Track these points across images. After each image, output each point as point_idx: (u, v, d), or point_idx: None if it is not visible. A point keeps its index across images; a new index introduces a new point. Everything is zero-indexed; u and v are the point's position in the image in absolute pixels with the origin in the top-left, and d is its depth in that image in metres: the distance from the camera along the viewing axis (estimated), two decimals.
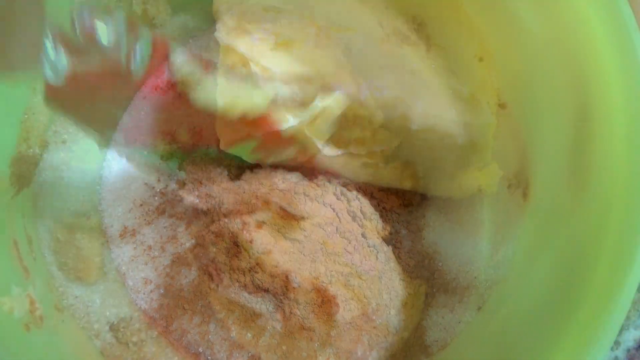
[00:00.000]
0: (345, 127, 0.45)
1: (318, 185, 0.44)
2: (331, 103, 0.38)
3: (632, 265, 0.30)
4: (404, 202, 0.50)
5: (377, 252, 0.43)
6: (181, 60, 0.31)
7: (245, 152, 0.41)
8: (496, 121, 0.44)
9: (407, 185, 0.48)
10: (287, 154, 0.42)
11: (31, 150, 0.44)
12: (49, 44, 0.27)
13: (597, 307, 0.30)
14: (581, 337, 0.30)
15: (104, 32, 0.28)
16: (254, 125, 0.36)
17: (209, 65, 0.33)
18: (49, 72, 0.28)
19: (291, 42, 0.42)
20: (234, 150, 0.41)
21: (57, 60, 0.28)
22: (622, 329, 0.53)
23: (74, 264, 0.45)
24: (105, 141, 0.41)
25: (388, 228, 0.46)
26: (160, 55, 0.30)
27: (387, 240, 0.47)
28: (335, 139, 0.47)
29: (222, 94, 0.35)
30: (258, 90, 0.35)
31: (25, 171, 0.44)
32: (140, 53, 0.29)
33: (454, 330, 0.46)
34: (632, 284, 0.30)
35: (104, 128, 0.37)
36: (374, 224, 0.45)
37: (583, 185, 0.34)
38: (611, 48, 0.33)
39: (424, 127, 0.50)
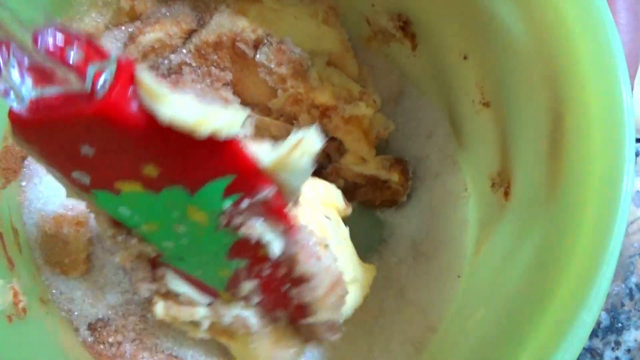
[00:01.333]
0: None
1: None
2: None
3: (604, 261, 0.30)
4: (390, 201, 0.50)
5: (333, 227, 0.43)
6: (147, 78, 0.28)
7: (216, 195, 0.33)
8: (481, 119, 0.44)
9: (394, 178, 0.48)
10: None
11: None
12: (12, 68, 0.26)
13: (570, 302, 0.30)
14: (551, 335, 0.30)
15: (70, 55, 0.27)
16: (225, 154, 0.31)
17: (175, 84, 0.31)
18: (11, 98, 0.27)
19: None
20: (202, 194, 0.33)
21: (21, 84, 0.27)
22: (623, 329, 0.53)
23: (59, 258, 0.46)
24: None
25: (349, 209, 0.46)
26: (125, 76, 0.28)
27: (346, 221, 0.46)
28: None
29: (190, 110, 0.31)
30: (231, 108, 0.30)
31: (12, 165, 0.44)
32: (105, 74, 0.27)
33: (438, 327, 0.46)
34: (604, 280, 0.30)
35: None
36: (334, 199, 0.45)
37: (558, 183, 0.34)
38: (588, 49, 0.33)
39: (410, 124, 0.50)
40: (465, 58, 0.43)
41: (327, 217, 0.43)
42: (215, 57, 0.45)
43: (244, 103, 0.47)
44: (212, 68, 0.45)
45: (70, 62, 0.27)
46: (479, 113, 0.44)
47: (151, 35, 0.45)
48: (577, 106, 0.33)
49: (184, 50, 0.46)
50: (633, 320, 0.54)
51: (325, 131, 0.47)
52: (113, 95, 0.27)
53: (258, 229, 0.34)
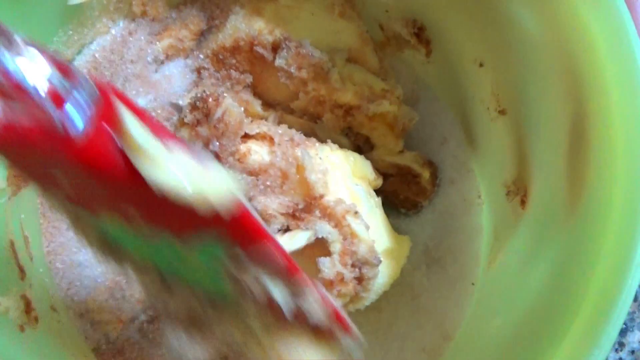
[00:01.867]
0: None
1: None
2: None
3: (628, 275, 0.30)
4: (412, 203, 0.50)
5: (363, 195, 0.43)
6: (134, 128, 0.23)
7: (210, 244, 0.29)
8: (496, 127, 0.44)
9: (425, 174, 0.48)
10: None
11: None
12: None
13: (593, 315, 0.30)
14: (576, 346, 0.30)
15: (29, 74, 0.21)
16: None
17: (162, 135, 0.24)
18: None
19: None
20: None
21: None
22: (627, 331, 0.52)
23: None
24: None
25: (380, 180, 0.46)
26: (107, 114, 0.22)
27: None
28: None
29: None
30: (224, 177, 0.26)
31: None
32: (78, 107, 0.22)
33: (453, 335, 0.46)
34: (628, 293, 0.30)
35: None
36: (364, 169, 0.45)
37: (580, 194, 0.34)
38: (610, 55, 0.32)
39: (424, 130, 0.50)
40: (481, 65, 0.43)
41: (357, 185, 0.43)
42: (234, 61, 0.45)
43: (266, 104, 0.47)
44: (232, 71, 0.45)
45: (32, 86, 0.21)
46: (494, 120, 0.44)
47: (162, 43, 0.45)
48: (599, 113, 0.33)
49: (201, 56, 0.45)
50: (637, 322, 0.54)
51: (350, 127, 0.47)
52: (93, 139, 0.22)
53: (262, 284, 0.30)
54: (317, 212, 0.39)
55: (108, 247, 0.31)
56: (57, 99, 0.21)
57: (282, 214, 0.40)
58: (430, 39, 0.47)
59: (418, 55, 0.48)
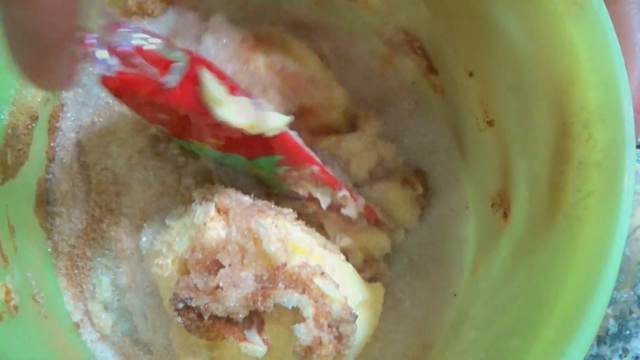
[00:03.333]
0: None
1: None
2: None
3: (599, 286, 0.30)
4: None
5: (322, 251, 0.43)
6: (209, 81, 0.35)
7: (270, 164, 0.42)
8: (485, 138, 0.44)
9: (418, 189, 0.48)
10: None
11: (19, 143, 0.45)
12: (100, 49, 0.33)
13: (565, 326, 0.30)
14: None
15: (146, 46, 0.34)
16: (272, 143, 0.39)
17: (234, 89, 0.37)
18: (101, 68, 0.34)
19: None
20: (258, 162, 0.43)
21: (109, 60, 0.33)
22: (631, 337, 0.52)
23: None
24: None
25: (347, 240, 0.46)
26: (192, 74, 0.35)
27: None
28: None
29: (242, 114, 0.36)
30: (275, 114, 0.38)
31: (11, 162, 0.44)
32: (175, 71, 0.35)
33: (432, 345, 0.45)
34: (600, 304, 0.30)
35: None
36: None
37: (557, 209, 0.34)
38: (592, 70, 0.32)
39: (414, 139, 0.50)
40: (470, 75, 0.43)
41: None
42: None
43: None
44: None
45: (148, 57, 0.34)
46: (483, 131, 0.43)
47: None
48: (581, 127, 0.33)
49: None
50: None
51: None
52: (181, 89, 0.35)
53: (308, 188, 0.44)
54: (281, 284, 0.38)
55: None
56: (163, 66, 0.35)
57: (244, 307, 0.39)
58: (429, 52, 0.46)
59: (411, 65, 0.48)
